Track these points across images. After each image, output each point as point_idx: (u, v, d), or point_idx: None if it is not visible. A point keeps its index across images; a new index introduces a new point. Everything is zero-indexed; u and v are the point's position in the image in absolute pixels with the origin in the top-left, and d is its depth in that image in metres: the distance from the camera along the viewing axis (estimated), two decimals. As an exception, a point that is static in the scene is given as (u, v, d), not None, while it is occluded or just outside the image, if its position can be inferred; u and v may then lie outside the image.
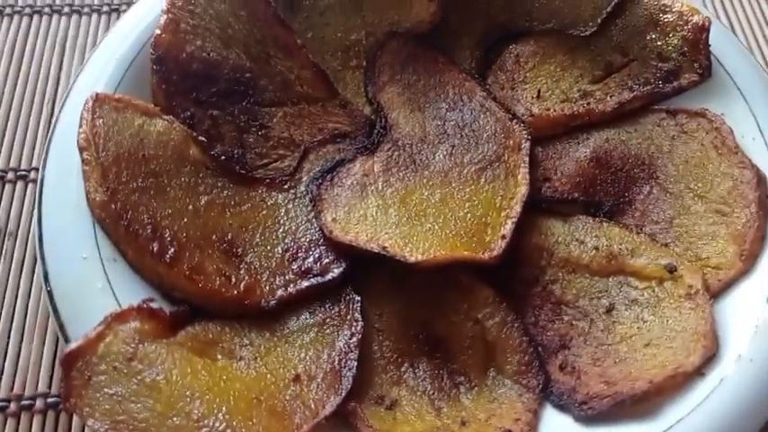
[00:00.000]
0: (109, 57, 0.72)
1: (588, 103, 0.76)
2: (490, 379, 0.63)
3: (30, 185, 0.79)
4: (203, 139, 0.70)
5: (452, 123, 0.75)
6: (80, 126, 0.65)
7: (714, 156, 0.69)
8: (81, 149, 0.64)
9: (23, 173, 0.79)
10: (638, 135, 0.74)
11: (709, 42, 0.72)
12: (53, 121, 0.69)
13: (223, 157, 0.71)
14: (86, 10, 0.91)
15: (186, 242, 0.64)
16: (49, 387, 0.68)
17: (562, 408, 0.60)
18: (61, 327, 0.58)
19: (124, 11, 0.91)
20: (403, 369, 0.64)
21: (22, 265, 0.74)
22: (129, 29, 0.74)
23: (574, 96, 0.77)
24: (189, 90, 0.72)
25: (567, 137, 0.75)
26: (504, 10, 0.81)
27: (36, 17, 0.90)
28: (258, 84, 0.75)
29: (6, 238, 0.75)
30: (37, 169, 0.79)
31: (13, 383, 0.68)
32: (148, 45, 0.72)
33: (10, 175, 0.79)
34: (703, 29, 0.71)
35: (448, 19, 0.80)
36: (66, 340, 0.57)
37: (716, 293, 0.62)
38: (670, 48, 0.74)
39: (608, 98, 0.76)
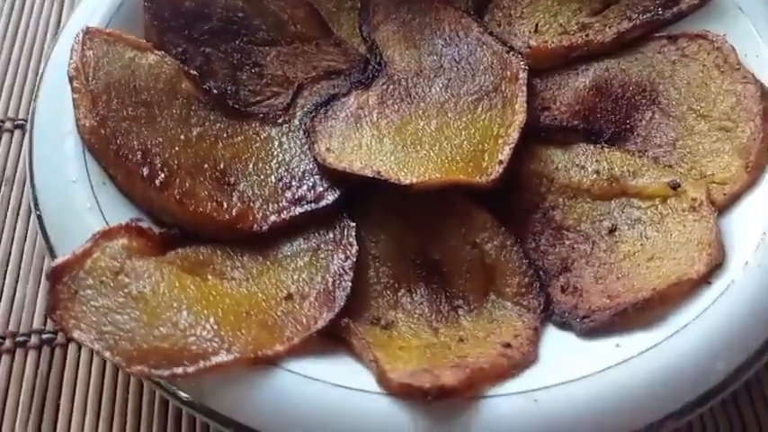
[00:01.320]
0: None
1: (587, 35, 0.74)
2: (489, 302, 0.62)
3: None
4: (196, 74, 0.70)
5: (449, 58, 0.74)
6: (70, 56, 0.65)
7: (716, 74, 0.67)
8: (71, 78, 0.64)
9: (21, 122, 0.79)
10: (639, 63, 0.72)
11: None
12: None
13: (216, 92, 0.70)
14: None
15: (177, 168, 0.63)
16: (44, 324, 0.67)
17: (564, 326, 0.58)
18: (50, 249, 0.57)
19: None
20: (400, 294, 0.62)
21: (18, 211, 0.74)
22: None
23: (572, 29, 0.75)
24: (181, 27, 0.72)
25: (566, 68, 0.74)
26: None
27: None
28: (251, 23, 0.75)
29: (3, 185, 0.75)
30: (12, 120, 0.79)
31: (9, 322, 0.67)
32: (140, -15, 0.72)
33: (7, 125, 0.79)
34: (701, -50, 0.70)
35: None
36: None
37: (722, 207, 0.60)
38: (669, -30, 0.72)
39: (607, 29, 0.74)
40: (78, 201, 0.59)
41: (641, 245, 0.61)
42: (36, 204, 0.60)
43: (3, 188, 0.75)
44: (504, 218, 0.65)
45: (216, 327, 0.52)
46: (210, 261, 0.60)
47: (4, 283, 0.69)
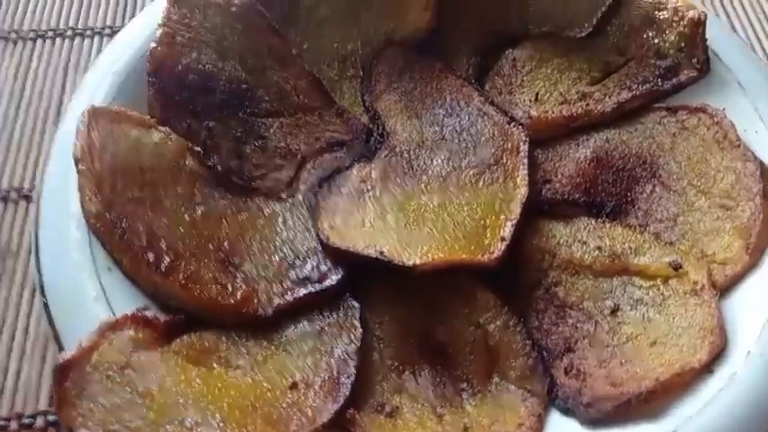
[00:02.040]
0: (105, 71, 0.73)
1: (587, 104, 0.75)
2: (493, 385, 0.62)
3: (31, 205, 0.79)
4: (200, 149, 0.70)
5: (450, 128, 0.75)
6: (76, 138, 0.65)
7: (716, 150, 0.67)
8: (76, 160, 0.64)
9: (26, 193, 0.80)
10: (639, 134, 0.73)
11: (706, 37, 0.71)
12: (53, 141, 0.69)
13: (220, 168, 0.70)
14: (89, 33, 0.92)
15: (182, 251, 0.64)
16: (50, 405, 0.67)
17: (567, 412, 0.59)
18: (57, 337, 0.58)
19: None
20: (404, 377, 0.63)
21: (24, 284, 0.74)
22: (124, 44, 0.75)
23: (572, 98, 0.76)
24: (185, 102, 0.72)
25: (566, 138, 0.75)
26: (499, 15, 0.80)
27: (39, 41, 0.91)
28: (254, 94, 0.75)
29: (8, 257, 0.75)
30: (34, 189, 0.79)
31: (14, 402, 0.67)
32: (144, 59, 0.73)
33: (13, 195, 0.80)
34: (699, 23, 0.70)
35: (444, 26, 0.80)
36: (62, 350, 0.56)
37: (724, 289, 0.61)
38: (667, 45, 0.73)
39: (607, 98, 0.75)
40: (84, 289, 0.60)
41: (644, 327, 0.61)
42: (42, 291, 0.60)
43: (8, 261, 0.75)
44: (508, 294, 0.66)
45: (222, 424, 0.53)
46: (216, 348, 0.60)
47: (9, 360, 0.69)
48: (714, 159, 0.67)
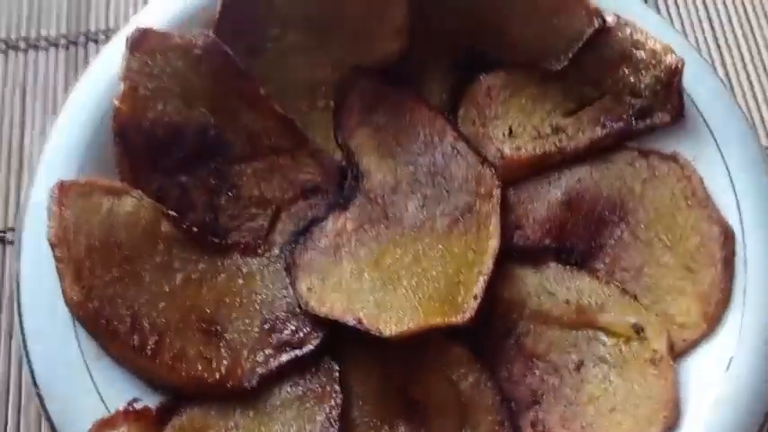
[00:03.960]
0: (68, 132, 0.71)
1: (560, 140, 0.75)
2: (465, 439, 0.67)
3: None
4: (173, 213, 0.70)
5: (424, 170, 0.75)
6: (48, 220, 0.65)
7: (684, 206, 0.69)
8: (52, 246, 0.65)
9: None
10: (610, 174, 0.74)
11: (683, 84, 0.70)
12: (18, 214, 0.69)
13: (195, 228, 0.71)
14: (43, 44, 0.88)
15: (166, 328, 0.66)
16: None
17: (533, 470, 0.64)
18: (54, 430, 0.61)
19: (82, 43, 0.89)
20: (383, 431, 0.67)
21: (10, 334, 0.76)
22: (85, 97, 0.72)
23: (546, 132, 0.76)
24: (155, 159, 0.72)
25: (538, 177, 0.75)
26: (472, 40, 0.78)
27: (-1, 55, 0.88)
28: (224, 140, 0.74)
29: (-8, 306, 0.77)
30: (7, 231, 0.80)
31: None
32: (108, 114, 0.71)
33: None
34: (676, 71, 0.69)
35: (415, 50, 0.78)
36: (60, 447, 0.60)
37: (679, 353, 0.65)
38: (642, 85, 0.72)
39: (580, 134, 0.75)
40: (75, 382, 0.62)
41: (605, 389, 0.65)
42: (35, 382, 0.63)
43: None
44: (479, 343, 0.69)
45: None
46: (206, 426, 0.64)
47: (7, 415, 0.73)
48: (681, 216, 0.69)
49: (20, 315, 0.65)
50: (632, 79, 0.73)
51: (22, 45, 0.88)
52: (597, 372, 0.66)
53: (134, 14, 0.86)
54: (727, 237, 0.66)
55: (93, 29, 0.89)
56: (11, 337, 0.76)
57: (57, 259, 0.64)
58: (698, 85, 0.70)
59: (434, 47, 0.79)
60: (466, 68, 0.79)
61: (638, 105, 0.73)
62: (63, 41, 0.88)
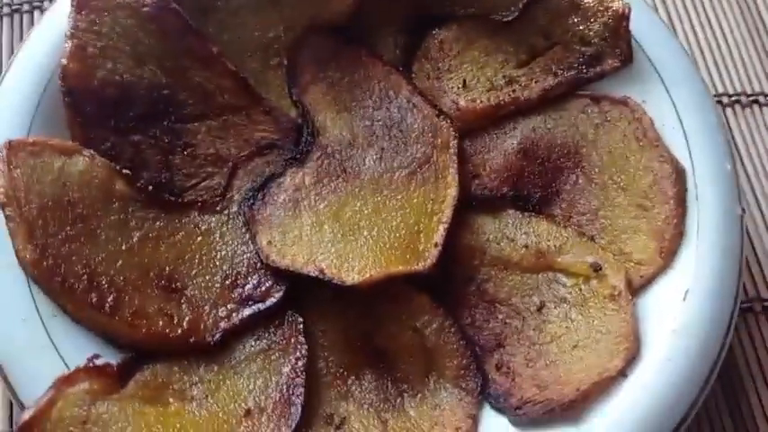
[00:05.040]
0: (15, 92, 0.69)
1: (514, 91, 0.76)
2: (431, 384, 0.67)
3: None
4: (127, 171, 0.69)
5: (380, 123, 0.75)
6: (-3, 179, 0.64)
7: (636, 148, 0.70)
8: (2, 205, 0.63)
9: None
10: (564, 122, 0.75)
11: (630, 29, 0.71)
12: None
13: (150, 186, 0.70)
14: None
15: (124, 286, 0.65)
16: (11, 425, 0.70)
17: (499, 410, 0.65)
18: (13, 392, 0.60)
19: (26, 10, 0.87)
20: (349, 382, 0.67)
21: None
22: (32, 57, 0.71)
23: (499, 84, 0.77)
24: (106, 118, 0.70)
25: (494, 127, 0.76)
26: (423, -6, 0.79)
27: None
28: (177, 99, 0.73)
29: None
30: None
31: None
32: (56, 74, 0.69)
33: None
34: (623, 17, 0.71)
35: (368, 8, 0.78)
36: (21, 405, 0.58)
37: (637, 289, 0.66)
38: (591, 33, 0.74)
39: (533, 83, 0.76)
40: (33, 340, 0.61)
41: (567, 327, 0.66)
42: (-10, 343, 0.61)
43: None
44: (442, 291, 0.70)
45: (185, 468, 0.57)
46: (169, 381, 0.63)
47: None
48: (634, 157, 0.70)
49: (-30, 277, 0.63)
50: (581, 27, 0.74)
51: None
52: (558, 312, 0.67)
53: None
54: (679, 174, 0.68)
55: (33, -8, 0.86)
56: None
57: (7, 218, 0.63)
58: (644, 29, 0.72)
59: (385, 3, 0.79)
60: (418, 23, 0.79)
61: (588, 53, 0.74)
62: (6, 9, 0.86)
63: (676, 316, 0.63)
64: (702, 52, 0.86)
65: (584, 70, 0.74)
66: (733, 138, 0.82)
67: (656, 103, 0.71)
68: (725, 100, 0.83)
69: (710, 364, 0.62)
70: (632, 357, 0.62)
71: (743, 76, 0.84)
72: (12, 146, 0.65)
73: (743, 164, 0.82)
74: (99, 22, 0.71)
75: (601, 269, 0.67)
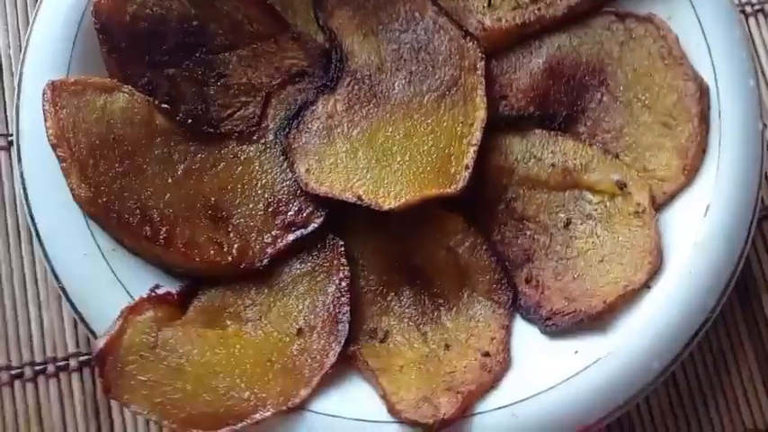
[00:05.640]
0: (51, 31, 0.70)
1: (539, 9, 0.76)
2: (466, 298, 0.72)
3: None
4: (166, 105, 0.71)
5: (407, 47, 0.76)
6: (45, 121, 0.66)
7: (660, 66, 0.72)
8: (54, 147, 0.66)
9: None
10: (589, 39, 0.76)
11: (656, -57, 0.71)
12: (13, 114, 0.69)
13: (189, 118, 0.72)
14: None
15: (174, 217, 0.68)
16: (78, 346, 0.75)
17: (529, 321, 0.70)
18: (84, 322, 0.64)
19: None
20: (389, 298, 0.72)
21: (19, 236, 0.78)
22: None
23: (524, 1, 0.77)
24: (141, 53, 0.72)
25: (519, 46, 0.77)
26: None
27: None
28: (207, 30, 0.74)
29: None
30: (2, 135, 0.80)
31: (45, 347, 0.75)
32: (89, 10, 0.70)
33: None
34: (649, -69, 0.71)
35: (390, -75, 0.77)
36: (93, 334, 0.63)
37: (660, 205, 0.69)
38: (617, -53, 0.73)
39: (558, 1, 0.76)
40: (95, 273, 0.65)
41: (593, 243, 0.70)
42: (57, 278, 0.65)
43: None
44: (473, 210, 0.74)
45: (248, 383, 0.63)
46: (225, 305, 0.68)
47: (28, 311, 0.76)
48: (658, 75, 0.71)
49: (31, 217, 0.67)
50: (607, -58, 0.74)
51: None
52: (585, 228, 0.71)
53: None
54: (702, 92, 0.69)
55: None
56: (20, 237, 0.78)
57: (60, 159, 0.66)
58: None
59: None
60: (442, -59, 0.78)
61: (613, -33, 0.74)
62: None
63: (698, 230, 0.67)
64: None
65: (610, -15, 0.75)
66: (755, 48, 0.83)
67: (681, 19, 0.72)
68: (748, 9, 0.83)
69: (729, 274, 0.66)
70: (655, 271, 0.66)
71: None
72: (55, 87, 0.67)
73: (763, 74, 0.83)
74: (126, -45, 0.70)
75: (625, 186, 0.70)
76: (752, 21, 0.83)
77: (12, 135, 0.77)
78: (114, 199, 0.66)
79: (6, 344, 0.75)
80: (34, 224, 0.66)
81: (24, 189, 0.67)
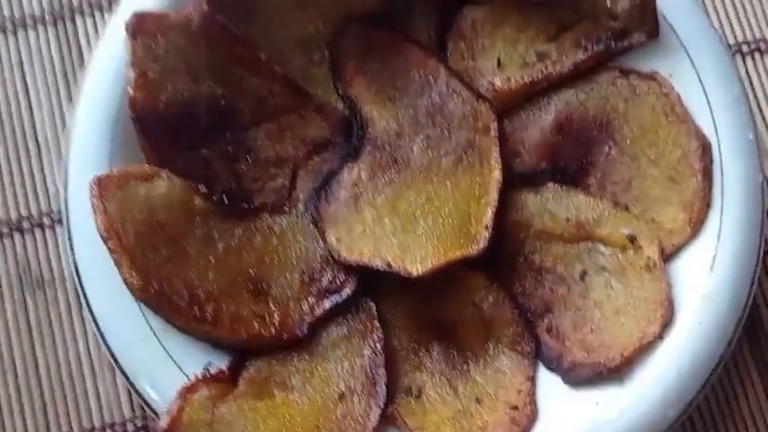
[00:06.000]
0: (91, 123, 0.75)
1: (546, 67, 0.80)
2: (492, 350, 0.77)
3: (47, 231, 0.85)
4: (202, 185, 0.76)
5: (423, 111, 0.81)
6: (94, 215, 0.71)
7: (664, 122, 0.76)
8: (104, 240, 0.71)
9: (38, 221, 0.85)
10: (595, 95, 0.80)
11: (656, 5, 0.75)
12: (60, 206, 0.74)
13: (224, 196, 0.77)
14: (30, 22, 0.88)
15: (219, 295, 0.74)
16: (133, 410, 0.81)
17: (552, 371, 0.75)
18: (145, 402, 0.70)
19: (69, 17, 0.89)
20: (420, 354, 0.77)
21: (70, 311, 0.83)
22: (99, 85, 0.76)
23: (532, 60, 0.81)
24: (175, 138, 0.76)
25: (529, 104, 0.81)
26: (453, -22, 0.81)
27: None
28: (235, 108, 0.79)
29: (47, 288, 0.83)
30: (46, 214, 0.85)
31: (102, 413, 0.81)
32: (124, 101, 0.74)
33: (25, 224, 0.85)
34: (649, -4, 0.74)
35: (400, -8, 0.81)
36: (155, 414, 0.69)
37: (669, 256, 0.74)
38: (619, 9, 0.77)
39: (564, 58, 0.80)
40: (152, 356, 0.71)
41: (608, 294, 0.75)
42: (115, 360, 0.71)
43: (48, 291, 0.84)
44: (493, 263, 0.79)
45: (303, 455, 0.69)
46: (271, 374, 0.73)
47: (84, 381, 0.82)
48: (662, 131, 0.76)
49: (86, 299, 0.72)
50: (608, 3, 0.77)
51: (9, 26, 0.88)
52: (600, 279, 0.76)
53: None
54: (705, 149, 0.74)
55: (75, 2, 0.89)
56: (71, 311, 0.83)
57: (111, 251, 0.70)
58: (672, 7, 0.75)
59: (418, -11, 0.81)
60: (450, 4, 0.82)
61: (616, 27, 0.78)
62: (49, 17, 0.88)
63: (705, 281, 0.72)
64: (723, 1, 0.88)
65: (613, 44, 0.78)
66: (752, 87, 0.86)
67: (682, 77, 0.76)
68: (745, 48, 0.87)
69: (736, 322, 0.71)
70: (667, 323, 0.71)
71: (762, 21, 0.87)
72: (101, 182, 0.71)
73: (760, 108, 0.87)
74: (154, 47, 0.75)
75: (636, 240, 0.75)
76: (749, 61, 0.87)
77: (54, 213, 0.83)
78: (163, 284, 0.71)
79: (67, 410, 0.81)
80: (90, 310, 0.71)
81: (79, 277, 0.72)
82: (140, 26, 0.74)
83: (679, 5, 0.76)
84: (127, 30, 0.74)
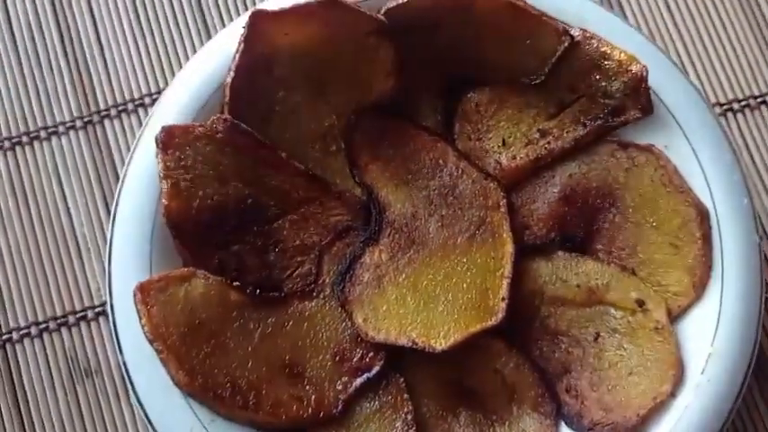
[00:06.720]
0: (129, 230, 0.81)
1: (548, 143, 0.86)
2: (515, 412, 0.83)
3: (91, 324, 0.91)
4: (236, 280, 0.82)
5: (436, 192, 0.86)
6: (140, 320, 0.77)
7: (663, 192, 0.81)
8: (151, 342, 0.77)
9: (82, 314, 0.91)
10: (596, 167, 0.85)
11: (650, 84, 0.80)
12: (107, 310, 0.80)
13: (256, 288, 0.83)
14: (62, 129, 0.95)
15: (259, 382, 0.79)
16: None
17: (573, 430, 0.80)
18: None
19: (97, 121, 0.95)
20: (449, 420, 0.83)
21: (119, 398, 0.89)
22: (134, 194, 0.82)
23: (534, 137, 0.86)
24: (208, 238, 0.82)
25: (535, 178, 0.87)
26: (456, 65, 0.87)
27: (18, 148, 0.94)
28: (261, 203, 0.84)
29: (95, 377, 0.90)
30: (90, 308, 0.91)
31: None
32: (159, 206, 0.80)
33: (71, 319, 0.91)
34: (641, 78, 0.79)
35: (406, 82, 0.86)
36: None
37: (676, 317, 0.79)
38: (613, 89, 0.82)
39: (565, 134, 0.85)
40: (203, 446, 0.76)
41: (621, 355, 0.80)
42: (167, 453, 0.77)
43: (96, 379, 0.90)
44: (512, 329, 0.84)
45: None
46: (311, 453, 0.79)
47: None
48: (662, 200, 0.81)
49: (137, 397, 0.78)
50: (604, 84, 0.83)
51: (43, 134, 0.94)
52: (612, 341, 0.81)
53: (136, 88, 0.94)
54: (703, 216, 0.79)
55: (102, 106, 0.95)
56: (119, 400, 0.89)
57: (158, 352, 0.76)
58: (664, 83, 0.80)
59: (423, 77, 0.87)
60: (454, 89, 0.88)
61: (612, 104, 0.83)
62: (79, 123, 0.95)
63: (711, 340, 0.77)
64: (710, 59, 0.93)
65: (610, 120, 0.84)
66: (745, 144, 0.91)
67: (677, 148, 0.81)
68: (735, 106, 0.92)
69: (743, 377, 0.76)
70: (679, 382, 0.76)
71: (750, 78, 0.92)
72: (143, 287, 0.77)
73: (754, 162, 0.92)
74: (184, 157, 0.81)
75: (644, 304, 0.80)
76: (740, 117, 0.92)
77: (96, 306, 0.89)
78: (207, 378, 0.77)
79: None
80: (143, 409, 0.77)
81: (128, 375, 0.78)
82: (169, 139, 0.80)
83: (668, 79, 0.81)
84: (157, 143, 0.80)
